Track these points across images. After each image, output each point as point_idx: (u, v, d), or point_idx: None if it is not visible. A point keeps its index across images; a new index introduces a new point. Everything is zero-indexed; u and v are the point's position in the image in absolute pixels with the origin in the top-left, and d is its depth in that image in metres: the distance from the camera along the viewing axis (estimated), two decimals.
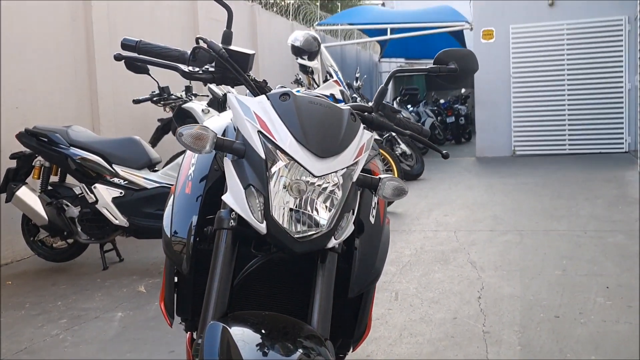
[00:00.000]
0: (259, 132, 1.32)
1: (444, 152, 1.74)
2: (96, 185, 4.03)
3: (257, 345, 1.15)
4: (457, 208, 5.81)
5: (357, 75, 8.11)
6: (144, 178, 4.10)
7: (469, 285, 3.48)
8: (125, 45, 1.51)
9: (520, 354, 2.53)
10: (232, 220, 1.35)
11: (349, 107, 1.42)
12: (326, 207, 1.33)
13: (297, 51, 3.19)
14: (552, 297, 3.19)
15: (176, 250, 1.52)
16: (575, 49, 9.99)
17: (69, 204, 4.13)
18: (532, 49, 10.24)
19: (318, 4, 13.74)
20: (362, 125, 1.43)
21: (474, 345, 2.66)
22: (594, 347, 2.56)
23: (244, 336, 1.16)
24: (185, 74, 1.46)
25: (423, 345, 2.69)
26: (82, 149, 4.07)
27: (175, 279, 1.62)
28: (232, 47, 1.44)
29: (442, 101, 15.91)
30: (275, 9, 10.73)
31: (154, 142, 5.71)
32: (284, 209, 1.30)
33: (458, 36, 12.51)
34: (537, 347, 2.59)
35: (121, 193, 4.05)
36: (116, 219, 4.02)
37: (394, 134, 7.87)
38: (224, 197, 1.34)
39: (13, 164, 4.22)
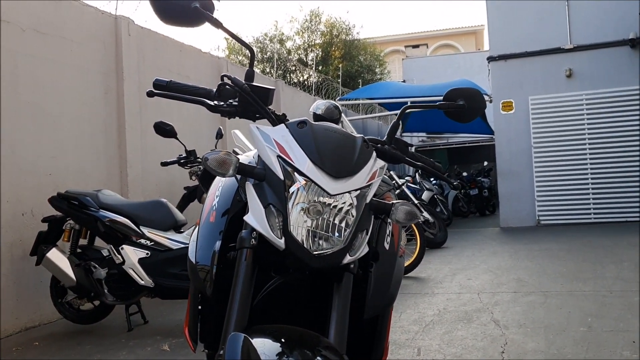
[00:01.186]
0: (278, 156, 1.42)
1: (455, 182, 1.82)
2: (123, 246, 4.15)
3: (277, 354, 1.19)
4: (481, 272, 5.78)
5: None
6: (169, 239, 4.20)
7: (492, 341, 3.44)
8: (157, 85, 1.65)
9: None
10: (252, 240, 1.44)
11: (362, 136, 1.53)
12: (342, 227, 1.41)
13: (319, 119, 3.34)
14: (577, 351, 3.14)
15: (200, 276, 1.60)
16: (596, 118, 10.10)
17: (97, 266, 4.24)
18: (552, 119, 10.38)
19: (340, 80, 14.21)
20: (374, 153, 1.53)
21: None
22: None
23: (264, 345, 1.21)
24: (211, 108, 1.59)
25: None
26: (111, 211, 4.21)
27: (200, 307, 1.68)
28: (253, 84, 1.57)
29: (464, 174, 16.02)
30: (298, 86, 11.13)
31: (180, 209, 5.85)
32: (302, 228, 1.39)
33: None
34: None
35: (147, 254, 4.15)
36: (142, 280, 4.10)
37: (416, 202, 7.95)
38: (245, 218, 1.43)
39: (45, 227, 4.38)
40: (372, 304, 1.56)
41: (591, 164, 10.11)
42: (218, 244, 1.59)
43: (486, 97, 11.24)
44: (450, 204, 13.95)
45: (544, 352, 3.17)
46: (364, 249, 1.46)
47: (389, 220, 1.67)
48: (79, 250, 4.35)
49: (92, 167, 5.38)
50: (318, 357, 1.20)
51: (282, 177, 1.40)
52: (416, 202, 8.12)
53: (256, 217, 1.41)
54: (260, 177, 1.44)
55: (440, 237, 7.96)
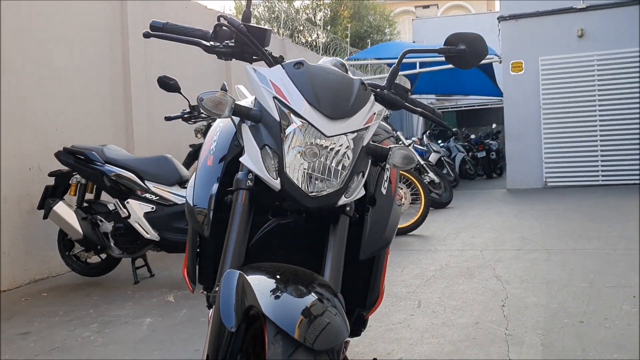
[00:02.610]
0: (274, 97, 1.42)
1: (454, 129, 1.81)
2: (129, 200, 4.18)
3: (271, 290, 1.20)
4: (485, 231, 5.80)
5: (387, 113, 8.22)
6: (174, 194, 4.23)
7: (493, 295, 3.47)
8: (154, 26, 1.64)
9: (542, 354, 2.53)
10: (249, 181, 1.44)
11: (359, 78, 1.52)
12: (338, 169, 1.42)
13: None
14: (578, 305, 3.17)
15: (198, 219, 1.61)
16: (607, 80, 9.97)
17: (103, 220, 4.29)
18: (563, 80, 10.26)
19: (348, 40, 14.05)
20: (372, 96, 1.52)
21: (495, 345, 2.66)
22: (617, 348, 2.53)
23: (259, 281, 1.22)
24: (207, 48, 1.58)
25: (444, 345, 2.70)
26: (117, 166, 4.24)
27: (198, 250, 1.71)
28: (250, 24, 1.55)
29: (472, 136, 15.94)
30: (307, 46, 11.02)
31: (186, 167, 5.87)
32: (298, 170, 1.39)
33: (487, 69, 12.60)
34: (559, 348, 2.58)
35: (152, 208, 4.18)
36: (147, 233, 4.15)
37: (422, 162, 7.94)
38: (241, 159, 1.44)
39: (51, 181, 4.41)
40: (367, 246, 1.57)
41: (601, 125, 10.02)
42: (215, 186, 1.60)
43: (496, 58, 11.10)
44: (457, 166, 13.92)
45: (544, 306, 3.20)
46: (359, 192, 1.47)
47: (387, 166, 1.68)
48: (85, 205, 4.40)
49: (98, 123, 5.39)
50: (312, 293, 1.21)
51: (278, 118, 1.40)
52: (423, 163, 8.12)
53: (252, 158, 1.41)
54: (256, 119, 1.44)
55: (445, 197, 7.96)
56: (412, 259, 4.67)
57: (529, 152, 10.45)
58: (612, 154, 9.96)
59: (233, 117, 1.53)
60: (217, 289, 1.33)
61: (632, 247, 4.55)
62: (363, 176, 1.47)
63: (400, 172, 6.06)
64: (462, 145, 14.72)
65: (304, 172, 1.39)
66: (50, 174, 4.43)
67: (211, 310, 1.46)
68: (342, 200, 1.42)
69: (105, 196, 4.49)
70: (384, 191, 1.66)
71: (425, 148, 10.66)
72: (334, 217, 1.49)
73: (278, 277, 1.25)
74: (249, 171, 1.45)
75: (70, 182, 4.41)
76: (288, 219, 1.53)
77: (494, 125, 15.98)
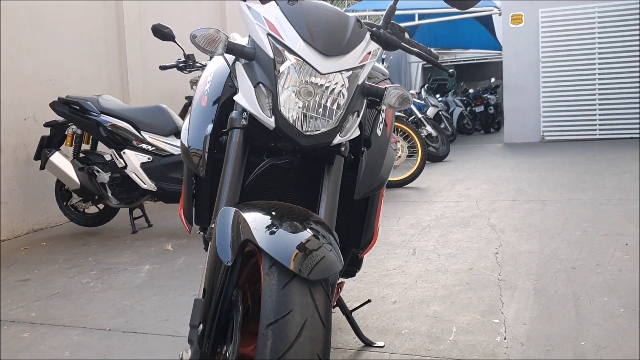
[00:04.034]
0: (268, 34, 1.40)
1: (450, 70, 1.80)
2: (125, 151, 4.18)
3: (267, 226, 1.20)
4: (481, 183, 5.83)
5: (384, 56, 8.13)
6: (170, 144, 4.23)
7: (487, 243, 3.52)
8: None
9: (534, 298, 2.57)
10: (243, 120, 1.44)
11: (355, 15, 1.50)
12: (333, 109, 1.41)
13: None
14: (570, 252, 3.21)
15: (194, 160, 1.62)
16: (607, 33, 9.83)
17: (100, 170, 4.29)
18: (562, 33, 10.12)
19: None
20: (368, 34, 1.50)
21: (488, 290, 2.71)
22: (608, 292, 2.58)
23: (254, 218, 1.23)
24: None
25: (437, 289, 2.75)
26: (112, 116, 4.22)
27: (194, 192, 1.72)
28: None
29: (471, 91, 15.83)
30: None
31: (182, 118, 5.86)
32: (292, 110, 1.39)
33: (486, 22, 12.43)
34: (551, 292, 2.63)
35: (149, 159, 4.19)
36: (144, 184, 4.16)
37: (420, 116, 7.91)
38: (235, 98, 1.44)
39: (47, 132, 4.40)
40: (362, 186, 1.58)
41: (600, 79, 9.94)
42: (210, 127, 1.60)
43: (495, 10, 10.94)
44: (455, 121, 13.86)
45: (537, 253, 3.24)
46: (354, 131, 1.47)
47: (382, 107, 1.67)
48: (82, 155, 4.40)
49: (93, 74, 5.33)
50: (308, 229, 1.22)
51: (272, 55, 1.38)
52: (420, 116, 8.09)
53: (246, 96, 1.41)
54: (249, 56, 1.42)
55: (442, 151, 7.96)
56: (407, 209, 4.70)
57: (527, 106, 10.39)
58: (611, 107, 9.91)
59: (226, 56, 1.51)
60: (213, 225, 1.34)
61: (626, 197, 4.59)
62: (358, 116, 1.47)
63: (398, 124, 6.07)
64: (460, 100, 14.63)
65: (298, 111, 1.39)
66: (46, 125, 4.41)
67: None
68: (337, 140, 1.42)
69: (101, 147, 4.48)
70: (379, 133, 1.66)
71: (423, 102, 10.59)
72: (328, 157, 1.49)
73: (273, 213, 1.26)
74: (243, 110, 1.45)
75: (66, 132, 4.39)
76: (283, 160, 1.53)
77: (492, 80, 15.86)
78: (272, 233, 1.18)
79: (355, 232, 1.70)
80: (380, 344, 2.16)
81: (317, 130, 1.39)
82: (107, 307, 2.76)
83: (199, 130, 1.62)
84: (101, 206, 4.50)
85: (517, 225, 3.90)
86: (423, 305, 2.55)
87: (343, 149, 1.49)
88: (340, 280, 2.10)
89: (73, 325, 2.55)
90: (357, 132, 1.48)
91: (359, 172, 1.57)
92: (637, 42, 9.67)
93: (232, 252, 1.22)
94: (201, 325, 1.26)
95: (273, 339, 1.04)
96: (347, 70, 1.41)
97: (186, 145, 1.64)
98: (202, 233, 1.78)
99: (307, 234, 1.19)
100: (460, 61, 18.72)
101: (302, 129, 1.38)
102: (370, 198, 1.66)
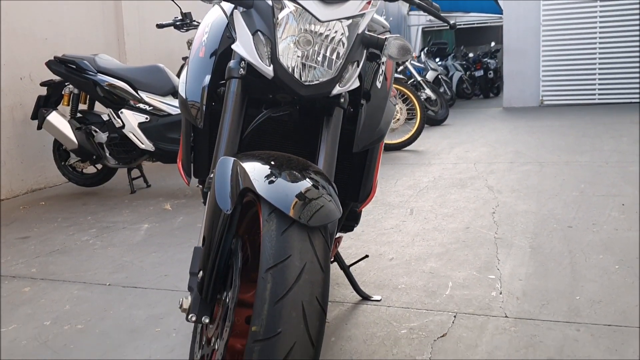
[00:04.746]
0: None
1: (452, 22, 1.78)
2: (123, 110, 4.16)
3: (266, 175, 1.20)
4: (479, 146, 5.82)
5: (383, 16, 8.02)
6: (168, 104, 4.21)
7: (484, 203, 3.53)
8: None
9: (530, 254, 2.60)
10: (241, 69, 1.43)
11: None
12: (332, 58, 1.40)
13: None
14: (567, 212, 3.23)
15: (192, 112, 1.61)
16: None
17: (98, 130, 4.27)
18: None
19: None
20: None
21: (484, 247, 2.73)
22: (604, 249, 2.61)
23: (253, 168, 1.22)
24: None
25: (434, 247, 2.77)
26: (109, 75, 4.18)
27: (192, 145, 1.72)
28: None
29: (470, 55, 15.68)
30: None
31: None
32: (291, 59, 1.38)
33: None
34: (547, 250, 2.65)
35: (147, 118, 4.17)
36: (142, 144, 4.15)
37: (419, 79, 7.85)
38: (233, 46, 1.42)
39: (44, 91, 4.37)
40: (361, 138, 1.58)
41: (600, 43, 9.85)
42: (207, 78, 1.59)
43: None
44: (454, 85, 13.77)
45: (534, 213, 3.26)
46: (354, 82, 1.46)
47: (382, 59, 1.66)
48: (79, 115, 4.37)
49: (89, 33, 5.27)
50: (307, 179, 1.21)
51: (270, 3, 1.37)
52: (419, 79, 8.03)
53: (244, 45, 1.40)
54: (247, 5, 1.41)
55: (441, 114, 7.94)
56: (405, 172, 4.71)
57: (527, 70, 10.32)
58: (611, 72, 9.85)
59: (224, 6, 1.49)
60: (211, 175, 1.35)
61: (624, 160, 4.59)
62: (358, 66, 1.46)
63: (397, 87, 6.03)
64: (460, 64, 14.50)
65: (297, 60, 1.38)
66: (42, 84, 4.38)
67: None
68: (336, 90, 1.42)
69: (98, 107, 4.46)
70: (379, 85, 1.65)
71: (422, 65, 10.51)
72: (327, 109, 1.49)
73: (272, 163, 1.25)
74: (242, 59, 1.43)
75: (62, 92, 4.36)
76: (282, 112, 1.53)
77: (492, 44, 15.72)
78: (272, 182, 1.18)
79: (354, 186, 1.70)
80: (377, 297, 2.19)
81: (316, 80, 1.38)
82: (107, 263, 2.78)
83: (196, 81, 1.61)
84: (99, 166, 4.50)
85: (514, 187, 3.92)
86: (420, 262, 2.58)
87: (342, 100, 1.48)
88: (338, 235, 2.12)
89: (73, 280, 2.58)
90: (357, 83, 1.47)
91: (358, 125, 1.57)
92: (638, 7, 9.55)
93: (231, 200, 1.22)
94: (201, 273, 1.27)
95: (272, 282, 1.05)
96: (347, 18, 1.39)
97: (184, 97, 1.63)
98: (200, 186, 1.79)
99: (306, 183, 1.19)
100: (460, 25, 18.49)
101: (301, 78, 1.38)
102: (369, 151, 1.66)
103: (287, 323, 1.03)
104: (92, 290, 2.45)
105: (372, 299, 2.18)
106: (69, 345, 1.96)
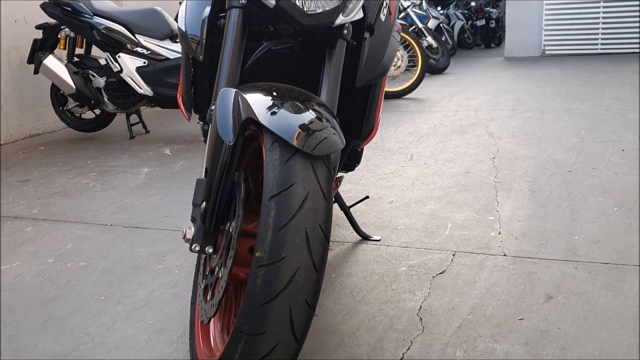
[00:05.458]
0: None
1: None
2: (120, 54, 4.11)
3: (268, 106, 1.18)
4: (480, 94, 5.78)
5: None
6: (166, 48, 4.15)
7: (485, 149, 3.53)
8: None
9: (529, 197, 2.61)
10: None
11: None
12: None
13: None
14: (567, 157, 3.23)
15: (192, 44, 1.58)
16: None
17: (95, 74, 4.22)
18: None
19: None
20: None
21: (484, 191, 2.74)
22: (602, 192, 2.62)
23: (255, 99, 1.21)
24: None
25: (434, 190, 2.78)
26: (106, 18, 4.11)
27: (193, 79, 1.70)
28: None
29: (473, 4, 15.41)
30: None
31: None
32: None
33: None
34: (546, 193, 2.66)
35: (144, 63, 4.12)
36: (141, 88, 4.11)
37: (421, 26, 7.72)
38: None
39: (40, 35, 4.29)
40: (364, 72, 1.56)
41: None
42: (207, 9, 1.56)
43: None
44: (456, 35, 13.57)
45: (534, 158, 3.26)
46: (357, 12, 1.43)
47: None
48: (76, 59, 4.31)
49: None
50: (310, 110, 1.20)
51: None
52: (421, 26, 7.91)
53: None
54: None
55: (442, 63, 7.84)
56: (406, 119, 4.69)
57: (529, 19, 10.15)
58: (614, 22, 9.69)
59: None
60: (212, 107, 1.33)
61: (625, 107, 4.56)
62: None
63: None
64: (462, 13, 14.27)
65: None
66: (38, 27, 4.30)
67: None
68: (340, 20, 1.39)
69: (95, 51, 4.39)
70: (382, 18, 1.62)
71: (424, 13, 10.32)
72: (330, 40, 1.46)
73: (274, 94, 1.24)
74: None
75: (59, 36, 4.29)
76: (283, 44, 1.50)
77: None
78: (274, 113, 1.17)
79: (356, 123, 1.69)
80: (377, 237, 2.21)
81: (319, 9, 1.35)
82: (108, 205, 2.80)
83: (196, 14, 1.58)
84: (98, 112, 4.46)
85: (515, 133, 3.90)
86: (419, 205, 2.59)
87: (345, 32, 1.45)
88: (339, 174, 2.12)
89: (75, 220, 2.60)
90: (361, 14, 1.44)
91: (362, 58, 1.54)
92: None
93: (233, 131, 1.22)
94: (204, 204, 1.28)
95: (276, 209, 1.05)
96: None
97: (184, 30, 1.60)
98: (200, 123, 1.77)
99: (309, 114, 1.18)
100: None
101: (304, 7, 1.35)
102: (372, 87, 1.64)
103: (291, 248, 1.04)
104: (93, 230, 2.47)
105: (371, 239, 2.20)
106: (73, 281, 1.98)
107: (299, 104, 1.21)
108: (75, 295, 1.87)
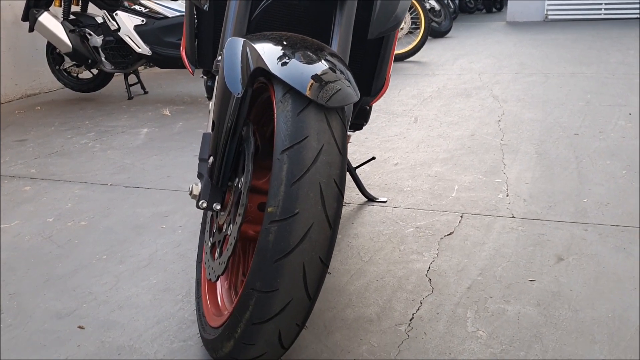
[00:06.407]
0: None
1: None
2: (118, 12, 4.00)
3: (278, 56, 1.11)
4: (483, 57, 5.69)
5: None
6: (164, 6, 4.05)
7: (490, 112, 3.47)
8: None
9: (536, 159, 2.57)
10: None
11: None
12: None
13: None
14: (573, 121, 3.18)
15: None
16: None
17: (92, 33, 4.13)
18: None
19: None
20: None
21: (490, 153, 2.70)
22: (610, 155, 2.58)
23: (264, 49, 1.14)
24: None
25: (439, 153, 2.74)
26: None
27: (196, 30, 1.63)
28: None
29: None
30: None
31: None
32: None
33: None
34: (553, 155, 2.62)
35: (142, 21, 4.02)
36: (139, 47, 4.03)
37: None
38: None
39: None
40: (377, 24, 1.49)
41: None
42: None
43: None
44: None
45: (540, 121, 3.21)
46: None
47: None
48: (72, 17, 4.21)
49: None
50: (323, 60, 1.14)
51: None
52: None
53: None
54: None
55: (445, 26, 7.72)
56: (409, 82, 4.61)
57: None
58: None
59: None
60: (219, 58, 1.28)
61: (631, 72, 4.50)
62: None
63: None
64: None
65: None
66: None
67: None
68: None
69: (92, 9, 4.28)
70: None
71: None
72: None
73: (285, 43, 1.18)
74: None
75: None
76: None
77: None
78: (285, 63, 1.11)
79: (367, 78, 1.63)
80: (383, 199, 2.18)
81: None
82: (108, 165, 2.75)
83: None
84: (95, 71, 4.37)
85: (520, 96, 3.84)
86: (425, 167, 2.55)
87: None
88: (348, 132, 2.07)
89: (74, 180, 2.55)
90: None
91: (374, 10, 1.48)
92: None
93: (242, 83, 1.16)
94: (211, 158, 1.23)
95: (289, 163, 1.01)
96: None
97: None
98: (204, 77, 1.71)
99: (322, 65, 1.12)
100: None
101: None
102: (384, 40, 1.58)
103: (305, 203, 0.99)
104: (94, 190, 2.42)
105: (377, 200, 2.17)
106: (74, 240, 1.95)
107: (311, 54, 1.14)
108: (77, 255, 1.84)
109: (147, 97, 4.36)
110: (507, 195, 2.18)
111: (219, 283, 1.35)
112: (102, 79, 4.41)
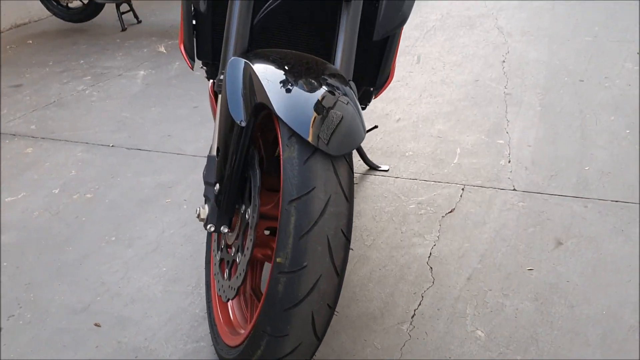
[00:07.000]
0: None
1: None
2: None
3: (280, 82, 1.10)
4: None
5: None
6: None
7: (494, 49, 3.39)
8: None
9: (540, 114, 2.55)
10: None
11: None
12: None
13: None
14: (579, 62, 3.12)
15: None
16: None
17: None
18: None
19: None
20: None
21: (493, 105, 2.67)
22: (614, 109, 2.56)
23: (266, 72, 1.12)
24: None
25: (442, 105, 2.71)
26: None
27: (194, 22, 1.57)
28: None
29: None
30: None
31: None
32: None
33: None
34: (557, 108, 2.60)
35: None
36: None
37: None
38: None
39: None
40: (383, 24, 1.43)
41: None
42: None
43: None
44: None
45: (545, 63, 3.14)
46: None
47: None
48: None
49: None
50: (324, 86, 1.12)
51: None
52: None
53: None
54: None
55: None
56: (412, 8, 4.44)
57: None
58: None
59: None
60: (221, 77, 1.25)
61: None
62: None
63: None
64: None
65: None
66: None
67: (219, 99, 1.36)
68: None
69: None
70: None
71: None
72: None
73: (286, 67, 1.15)
74: None
75: None
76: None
77: None
78: (288, 91, 1.08)
79: (371, 72, 1.59)
80: (385, 167, 2.18)
81: None
82: (107, 120, 2.72)
83: None
84: (86, 0, 4.22)
85: (525, 28, 3.73)
86: (427, 124, 2.53)
87: None
88: None
89: (75, 140, 2.54)
90: None
91: (380, 9, 1.42)
92: None
93: (245, 112, 1.14)
94: (217, 185, 1.24)
95: (297, 215, 1.01)
96: None
97: None
98: (204, 68, 1.67)
99: (322, 90, 1.09)
100: None
101: None
102: (390, 37, 1.53)
103: (313, 257, 1.01)
104: (95, 152, 2.42)
105: (380, 169, 2.17)
106: (81, 217, 1.98)
107: (313, 81, 1.12)
108: (86, 236, 1.87)
109: (141, 27, 4.24)
110: (509, 162, 2.19)
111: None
112: (93, 9, 4.26)
